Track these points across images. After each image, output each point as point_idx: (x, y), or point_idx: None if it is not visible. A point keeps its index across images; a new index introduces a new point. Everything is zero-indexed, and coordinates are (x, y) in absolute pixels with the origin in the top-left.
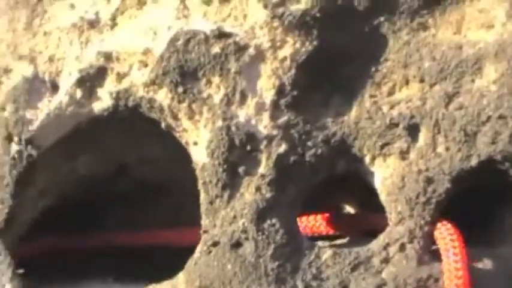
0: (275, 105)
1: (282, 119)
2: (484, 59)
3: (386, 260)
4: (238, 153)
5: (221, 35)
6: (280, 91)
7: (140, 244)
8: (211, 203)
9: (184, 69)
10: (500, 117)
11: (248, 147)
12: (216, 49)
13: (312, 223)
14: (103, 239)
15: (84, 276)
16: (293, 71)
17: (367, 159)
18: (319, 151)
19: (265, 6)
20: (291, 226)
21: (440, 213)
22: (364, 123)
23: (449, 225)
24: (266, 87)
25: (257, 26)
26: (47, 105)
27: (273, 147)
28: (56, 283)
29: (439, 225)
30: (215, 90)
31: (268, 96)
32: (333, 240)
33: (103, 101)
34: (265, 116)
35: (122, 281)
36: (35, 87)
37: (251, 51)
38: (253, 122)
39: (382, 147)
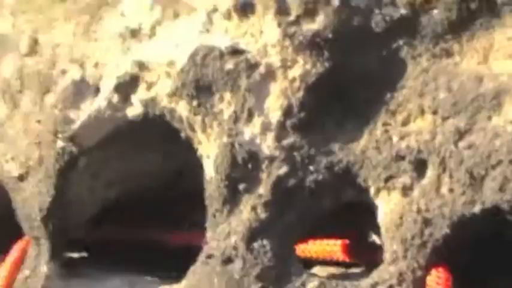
0: (281, 126)
1: (287, 141)
2: (506, 93)
3: None
4: (240, 170)
5: (235, 51)
6: (287, 112)
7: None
8: (213, 216)
9: (200, 83)
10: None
11: (250, 166)
12: (229, 65)
13: (328, 248)
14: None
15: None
16: (302, 92)
17: (372, 190)
18: (321, 177)
19: (279, 25)
20: (282, 250)
21: (438, 259)
22: (371, 153)
23: (442, 273)
24: (273, 107)
25: (269, 44)
26: (88, 107)
27: (273, 169)
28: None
29: (433, 271)
30: (226, 106)
31: (275, 116)
32: (348, 268)
33: (135, 108)
34: (270, 136)
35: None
36: (81, 90)
37: (262, 69)
38: (257, 141)
39: (387, 180)
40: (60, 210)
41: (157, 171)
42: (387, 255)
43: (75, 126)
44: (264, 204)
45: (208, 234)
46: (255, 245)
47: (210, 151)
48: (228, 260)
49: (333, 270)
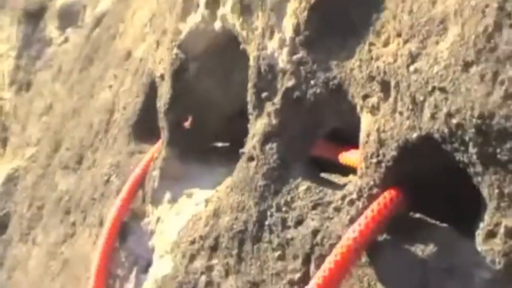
0: (292, 42)
1: (296, 56)
2: (450, 18)
3: (337, 210)
4: (263, 80)
5: None
6: (296, 30)
7: None
8: (250, 119)
9: (244, 2)
10: (442, 90)
11: (269, 77)
12: None
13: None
14: None
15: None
16: (306, 12)
17: (358, 107)
18: (319, 91)
19: None
20: (286, 154)
21: (392, 180)
22: (356, 71)
23: (393, 193)
24: (288, 25)
25: None
26: (192, 20)
27: (285, 81)
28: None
29: (386, 192)
30: (258, 23)
31: (288, 33)
32: None
33: (218, 23)
34: (285, 51)
35: None
36: (188, 5)
37: None
38: (275, 55)
39: (364, 98)
40: (179, 106)
41: None
42: (358, 171)
43: (182, 36)
44: (276, 112)
45: (248, 135)
46: (267, 147)
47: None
48: (251, 158)
49: None
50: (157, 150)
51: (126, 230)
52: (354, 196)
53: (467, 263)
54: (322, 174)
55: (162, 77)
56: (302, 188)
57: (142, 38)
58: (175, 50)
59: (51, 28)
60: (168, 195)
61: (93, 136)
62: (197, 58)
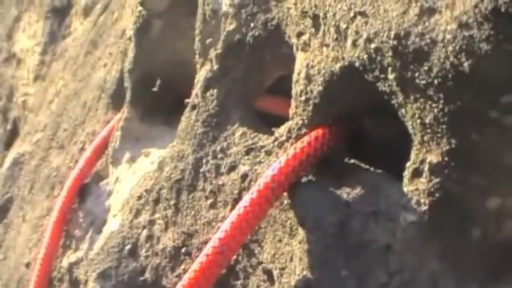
0: None
1: None
2: None
3: (268, 153)
4: (207, 26)
5: None
6: None
7: None
8: (196, 69)
9: None
10: (363, 14)
11: (213, 22)
12: None
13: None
14: None
15: None
16: None
17: (294, 47)
18: (257, 33)
19: None
20: (225, 100)
21: (321, 119)
22: (292, 10)
23: (321, 133)
24: None
25: None
26: None
27: (227, 25)
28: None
29: (314, 131)
30: None
31: None
32: None
33: None
34: None
35: None
36: None
37: None
38: None
39: (298, 36)
40: (143, 65)
41: None
42: (290, 113)
43: None
44: (217, 56)
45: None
46: (208, 93)
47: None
48: (193, 107)
49: None
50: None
51: (87, 191)
52: (284, 138)
53: (394, 207)
54: None
55: (130, 38)
56: (238, 133)
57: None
58: (138, 8)
59: (76, 24)
60: (127, 155)
61: (85, 114)
62: (161, 15)
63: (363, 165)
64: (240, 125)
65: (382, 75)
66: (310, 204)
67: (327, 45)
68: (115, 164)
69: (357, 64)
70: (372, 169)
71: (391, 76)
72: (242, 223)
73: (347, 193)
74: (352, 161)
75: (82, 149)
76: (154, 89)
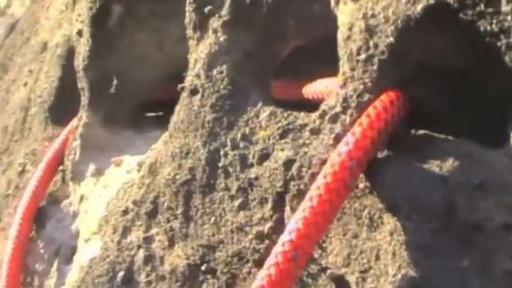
0: None
1: None
2: None
3: (316, 132)
4: None
5: None
6: None
7: None
8: (190, 45)
9: None
10: None
11: None
12: None
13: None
14: None
15: None
16: None
17: (332, 1)
18: None
19: None
20: (240, 76)
21: (387, 80)
22: None
23: (392, 98)
24: None
25: None
26: None
27: None
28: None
29: (382, 95)
30: None
31: None
32: None
33: None
34: None
35: None
36: None
37: None
38: None
39: None
40: (100, 61)
41: None
42: (339, 78)
43: None
44: (224, 25)
45: (189, 65)
46: (214, 72)
47: None
48: (194, 91)
49: None
50: (76, 120)
51: (44, 215)
52: (338, 109)
53: (503, 176)
54: None
55: (80, 33)
56: (264, 114)
57: (59, 25)
58: None
59: None
60: (92, 168)
61: (8, 139)
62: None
63: (437, 134)
64: (265, 104)
65: (490, 9)
66: (402, 183)
67: None
68: (77, 180)
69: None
70: (451, 138)
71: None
72: (318, 217)
73: (438, 167)
74: (420, 131)
75: (23, 171)
76: (112, 90)
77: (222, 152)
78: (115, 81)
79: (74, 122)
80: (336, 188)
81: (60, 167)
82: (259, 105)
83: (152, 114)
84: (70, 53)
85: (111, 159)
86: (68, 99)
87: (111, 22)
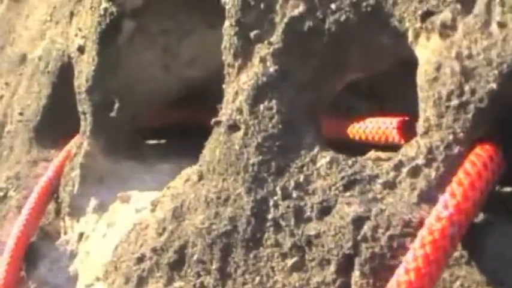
0: None
1: None
2: None
3: (390, 186)
4: (252, 13)
5: None
6: None
7: None
8: (228, 74)
9: None
10: None
11: (262, 6)
12: None
13: (381, 126)
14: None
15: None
16: None
17: (410, 34)
18: (344, 17)
19: None
20: (292, 115)
21: (483, 130)
22: None
23: (488, 151)
24: None
25: None
26: None
27: (288, 8)
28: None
29: (477, 149)
30: None
31: None
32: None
33: None
34: None
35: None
36: None
37: None
38: None
39: (424, 17)
40: (107, 83)
41: None
42: (419, 125)
43: None
44: (274, 54)
45: (224, 97)
46: (260, 107)
47: None
48: (233, 126)
49: (384, 155)
50: (73, 148)
51: (36, 253)
52: (420, 161)
53: None
54: None
55: (81, 49)
56: (323, 160)
57: (41, 36)
58: (104, 4)
59: None
60: (93, 202)
61: None
62: (135, 14)
63: None
64: (322, 148)
65: None
66: (507, 253)
67: (503, 26)
68: (75, 215)
69: None
70: None
71: None
72: None
73: None
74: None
75: (5, 197)
76: (113, 114)
77: (271, 202)
78: (117, 105)
79: (68, 147)
80: (436, 260)
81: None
82: (316, 149)
83: (152, 141)
84: (63, 70)
85: (117, 194)
86: (58, 121)
87: (120, 39)
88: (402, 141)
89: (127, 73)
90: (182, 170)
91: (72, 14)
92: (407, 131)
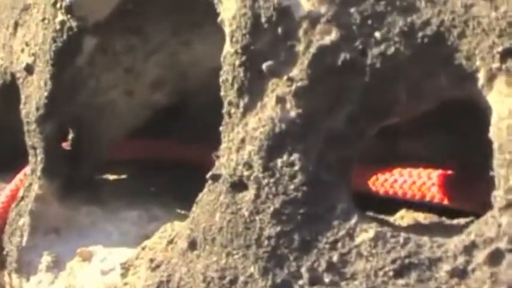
0: None
1: None
2: None
3: (459, 274)
4: (264, 39)
5: None
6: None
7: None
8: (228, 114)
9: None
10: None
11: (279, 31)
12: None
13: (417, 181)
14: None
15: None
16: None
17: (481, 77)
18: (393, 49)
19: None
20: (320, 173)
21: None
22: (481, 6)
23: None
24: None
25: None
26: None
27: (316, 35)
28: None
29: None
30: None
31: None
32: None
33: None
34: None
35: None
36: None
37: None
38: None
39: (506, 55)
40: (62, 111)
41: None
42: (496, 195)
43: None
44: (296, 94)
45: (223, 143)
46: (278, 161)
47: (228, 13)
48: (239, 184)
49: (422, 217)
50: (20, 186)
51: None
52: (504, 245)
53: None
54: None
55: (29, 69)
56: (365, 236)
57: None
58: (60, 17)
59: None
60: (47, 259)
61: None
62: (97, 29)
63: None
64: (362, 219)
65: None
66: None
67: None
68: (24, 272)
69: None
70: None
71: None
72: None
73: None
74: None
75: None
76: (67, 147)
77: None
78: (73, 137)
79: (13, 185)
80: None
81: None
82: (353, 219)
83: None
84: (2, 91)
85: (76, 249)
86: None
87: (80, 60)
88: (445, 202)
89: (84, 98)
90: (153, 219)
91: (16, 24)
92: (450, 189)
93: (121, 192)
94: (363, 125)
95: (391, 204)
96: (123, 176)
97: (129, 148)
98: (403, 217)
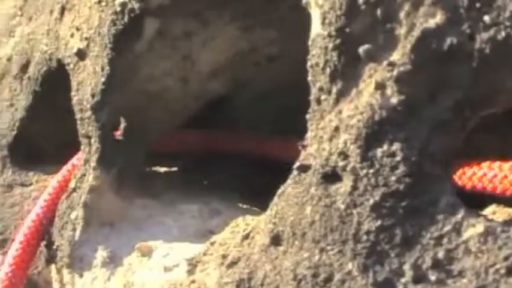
0: None
1: None
2: None
3: None
4: (362, 21)
5: None
6: None
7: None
8: (317, 100)
9: None
10: None
11: (378, 13)
12: None
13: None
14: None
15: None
16: None
17: None
18: (503, 34)
19: None
20: (424, 164)
21: None
22: None
23: None
24: None
25: None
26: None
27: (419, 18)
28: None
29: None
30: None
31: None
32: None
33: None
34: None
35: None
36: None
37: None
38: None
39: None
40: (119, 98)
41: None
42: None
43: None
44: (398, 80)
45: (310, 132)
46: (377, 151)
47: None
48: (332, 176)
49: None
50: (68, 177)
51: None
52: None
53: None
54: None
55: (81, 54)
56: (473, 230)
57: (9, 33)
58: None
59: None
60: (101, 253)
61: None
62: (161, 12)
63: None
64: (469, 213)
65: None
66: None
67: None
68: (77, 268)
69: None
70: None
71: None
72: None
73: None
74: None
75: None
76: (119, 137)
77: (399, 286)
78: (127, 126)
79: (61, 176)
80: None
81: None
82: (460, 213)
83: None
84: (47, 78)
85: (135, 243)
86: (38, 137)
87: (140, 44)
88: None
89: (138, 85)
90: (215, 213)
91: (63, 9)
92: None
93: (174, 185)
94: (467, 113)
95: (470, 199)
96: (174, 169)
97: (179, 139)
98: (495, 212)
